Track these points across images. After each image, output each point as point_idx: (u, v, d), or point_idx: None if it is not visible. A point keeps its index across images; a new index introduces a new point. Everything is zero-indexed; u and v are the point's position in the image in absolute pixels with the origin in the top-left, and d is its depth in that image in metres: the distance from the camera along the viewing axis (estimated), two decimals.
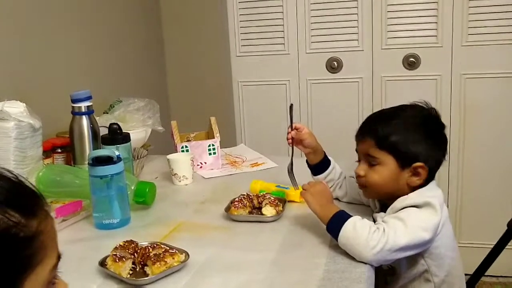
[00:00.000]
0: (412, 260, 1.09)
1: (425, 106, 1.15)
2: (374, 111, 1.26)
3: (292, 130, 1.29)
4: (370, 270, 0.94)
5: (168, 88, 2.62)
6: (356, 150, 1.18)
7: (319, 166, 1.30)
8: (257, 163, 1.71)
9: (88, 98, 1.40)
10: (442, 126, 1.15)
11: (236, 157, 1.78)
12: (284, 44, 2.50)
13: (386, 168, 1.10)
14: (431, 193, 1.08)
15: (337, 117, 2.49)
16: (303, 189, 1.14)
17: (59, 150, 1.51)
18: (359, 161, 1.17)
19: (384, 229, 0.97)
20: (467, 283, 1.25)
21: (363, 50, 2.41)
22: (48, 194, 1.28)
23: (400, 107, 1.18)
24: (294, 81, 2.54)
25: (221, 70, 2.55)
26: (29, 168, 1.25)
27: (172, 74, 2.59)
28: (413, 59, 2.36)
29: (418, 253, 1.06)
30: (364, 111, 2.41)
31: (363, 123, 1.18)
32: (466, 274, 1.23)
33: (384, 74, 2.41)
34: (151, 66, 2.52)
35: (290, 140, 1.29)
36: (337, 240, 1.00)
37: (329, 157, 1.32)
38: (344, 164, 1.34)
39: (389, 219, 1.02)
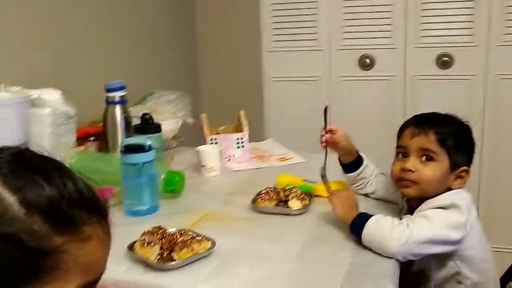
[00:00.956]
0: (442, 262, 1.09)
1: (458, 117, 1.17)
2: (406, 110, 1.25)
3: (326, 132, 1.26)
4: (395, 265, 0.94)
5: (200, 82, 2.65)
6: (401, 146, 1.15)
7: (352, 164, 1.29)
8: (284, 157, 1.72)
9: (122, 88, 1.43)
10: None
11: (264, 151, 1.79)
12: (316, 40, 2.49)
13: (440, 166, 1.09)
14: (458, 195, 1.08)
15: (368, 114, 2.47)
16: (330, 193, 1.15)
17: (92, 138, 1.55)
18: (404, 156, 1.13)
19: (407, 224, 0.97)
20: None
21: (396, 48, 2.38)
22: None
23: (447, 114, 1.18)
24: (325, 78, 2.52)
25: (252, 65, 2.56)
26: (63, 154, 1.29)
27: (204, 68, 2.62)
28: (447, 58, 2.32)
29: (447, 255, 1.05)
30: (395, 110, 2.38)
31: (419, 117, 1.17)
32: None
33: (416, 72, 2.38)
34: (183, 60, 2.55)
35: (324, 144, 1.26)
36: (361, 239, 1.00)
37: (362, 155, 1.30)
38: (377, 161, 1.33)
39: (414, 217, 1.02)
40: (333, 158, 1.33)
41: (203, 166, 1.53)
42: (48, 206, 0.48)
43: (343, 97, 2.51)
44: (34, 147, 0.70)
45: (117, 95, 1.42)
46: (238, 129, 1.75)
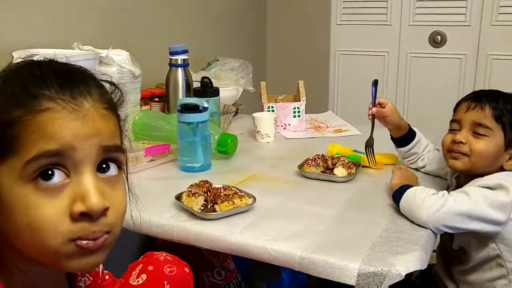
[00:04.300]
0: (483, 243, 1.07)
1: None
2: (476, 90, 1.22)
3: (374, 106, 1.27)
4: (430, 235, 0.94)
5: (267, 52, 2.69)
6: (455, 120, 1.13)
7: (403, 139, 1.29)
8: (341, 129, 1.73)
9: (184, 51, 1.50)
10: None
11: (321, 122, 1.81)
12: (386, 14, 2.44)
13: (494, 142, 1.07)
14: (508, 177, 1.04)
15: (436, 93, 2.40)
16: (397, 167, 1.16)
17: (157, 99, 1.64)
18: (457, 130, 1.12)
19: (444, 194, 0.97)
20: None
21: (470, 25, 2.28)
22: (142, 137, 1.41)
23: None
24: (393, 53, 2.48)
25: (319, 38, 2.56)
26: (127, 111, 1.37)
27: (271, 38, 2.65)
28: None
29: (489, 235, 1.04)
30: (465, 89, 2.29)
31: (475, 94, 1.14)
32: None
33: (491, 52, 2.27)
34: (252, 29, 2.59)
35: (371, 116, 1.28)
36: (399, 206, 1.01)
37: (415, 130, 1.30)
38: (434, 138, 1.32)
39: (454, 191, 1.02)
40: (387, 132, 1.33)
41: (257, 132, 1.58)
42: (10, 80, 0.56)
43: (411, 74, 2.46)
44: None
45: (179, 58, 1.50)
46: (297, 98, 1.78)
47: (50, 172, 0.54)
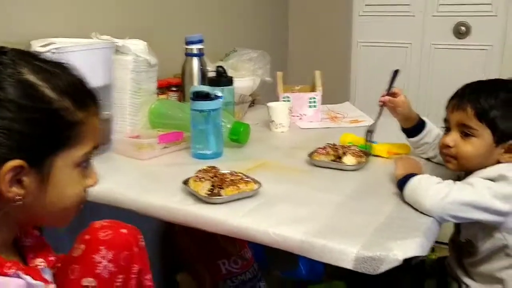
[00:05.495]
0: (489, 233, 1.06)
1: None
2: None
3: (387, 94, 1.29)
4: (434, 223, 0.94)
5: (289, 43, 2.69)
6: (445, 120, 1.14)
7: (413, 129, 1.29)
8: (357, 120, 1.72)
9: (200, 41, 1.52)
10: None
11: (338, 113, 1.80)
12: (409, 5, 2.41)
13: (482, 141, 1.06)
14: (510, 167, 1.03)
15: (459, 85, 2.35)
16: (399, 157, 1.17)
17: (174, 89, 1.67)
18: (448, 130, 1.13)
19: (449, 184, 0.96)
20: None
21: (496, 16, 2.24)
22: (157, 125, 1.44)
23: (501, 80, 1.13)
24: (416, 45, 2.45)
25: (342, 29, 2.55)
26: (143, 99, 1.41)
27: (293, 29, 2.65)
28: None
29: (494, 226, 1.03)
30: None
31: (461, 90, 1.13)
32: None
33: None
34: (274, 20, 2.60)
35: (381, 104, 1.30)
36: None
37: (425, 119, 1.29)
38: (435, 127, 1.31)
39: (459, 182, 1.01)
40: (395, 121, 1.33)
41: (272, 121, 1.59)
42: (72, 90, 0.69)
43: (435, 65, 2.43)
44: (117, 90, 1.06)
45: (195, 47, 1.52)
46: (314, 89, 1.78)
47: (90, 161, 0.75)
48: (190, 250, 1.65)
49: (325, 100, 1.86)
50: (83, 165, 0.73)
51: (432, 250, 1.72)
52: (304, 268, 1.77)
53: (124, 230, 0.88)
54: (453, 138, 1.10)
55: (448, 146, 1.10)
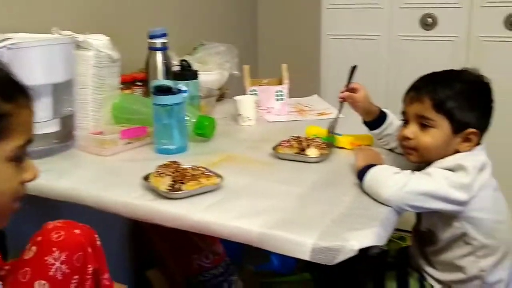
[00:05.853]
0: (448, 222, 1.08)
1: (475, 72, 1.12)
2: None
3: (347, 90, 1.32)
4: (391, 212, 0.95)
5: (258, 37, 2.69)
6: (403, 112, 1.16)
7: (374, 122, 1.31)
8: (324, 112, 1.73)
9: (163, 35, 1.50)
10: (492, 93, 1.12)
11: (305, 106, 1.81)
12: None
13: (440, 132, 1.08)
14: (470, 157, 1.06)
15: None
16: (358, 148, 1.19)
17: (139, 84, 1.65)
18: (406, 123, 1.15)
19: (407, 174, 0.97)
20: None
21: (461, 7, 2.26)
22: (121, 120, 1.43)
23: (455, 71, 1.15)
24: (384, 37, 2.46)
25: (310, 22, 2.55)
26: (106, 94, 1.39)
27: (262, 22, 2.65)
28: None
29: (453, 215, 1.05)
30: None
31: (417, 83, 1.16)
32: None
33: (482, 34, 2.25)
34: (243, 14, 2.59)
35: (341, 100, 1.33)
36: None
37: (386, 111, 1.31)
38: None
39: (417, 172, 1.02)
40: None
41: (239, 115, 1.59)
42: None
43: (403, 57, 2.44)
44: (79, 86, 1.06)
45: (158, 41, 1.50)
46: (282, 82, 1.78)
47: (25, 154, 0.74)
48: (160, 246, 1.64)
49: (295, 93, 1.87)
50: (17, 159, 0.72)
51: (404, 239, 1.75)
52: (276, 261, 1.78)
53: (77, 231, 0.86)
54: (412, 130, 1.11)
55: (407, 138, 1.12)
